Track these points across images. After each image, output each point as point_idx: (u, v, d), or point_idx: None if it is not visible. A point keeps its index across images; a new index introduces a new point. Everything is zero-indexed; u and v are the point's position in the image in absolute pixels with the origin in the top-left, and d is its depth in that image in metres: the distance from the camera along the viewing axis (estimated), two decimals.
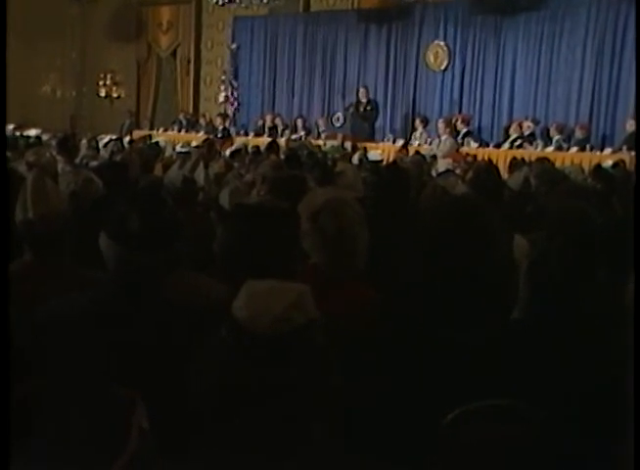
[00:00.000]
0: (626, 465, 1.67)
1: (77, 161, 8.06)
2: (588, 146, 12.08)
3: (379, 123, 15.26)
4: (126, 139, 13.11)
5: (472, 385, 1.93)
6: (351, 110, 14.70)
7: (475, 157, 11.91)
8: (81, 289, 2.46)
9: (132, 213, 2.24)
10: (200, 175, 5.94)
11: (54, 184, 3.19)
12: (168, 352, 2.11)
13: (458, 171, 8.00)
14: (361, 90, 15.13)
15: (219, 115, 16.92)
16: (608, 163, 9.86)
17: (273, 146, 10.36)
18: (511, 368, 1.98)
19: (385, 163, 10.38)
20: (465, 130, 13.29)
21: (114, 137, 11.66)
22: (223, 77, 18.22)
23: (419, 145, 13.28)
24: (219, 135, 15.03)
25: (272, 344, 1.41)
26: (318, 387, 1.46)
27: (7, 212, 2.74)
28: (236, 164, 8.06)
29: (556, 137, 12.44)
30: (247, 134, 16.13)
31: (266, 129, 16.07)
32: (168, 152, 10.96)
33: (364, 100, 14.95)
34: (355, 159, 10.87)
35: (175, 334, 2.17)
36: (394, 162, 8.76)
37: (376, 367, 2.16)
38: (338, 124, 14.44)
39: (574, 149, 12.00)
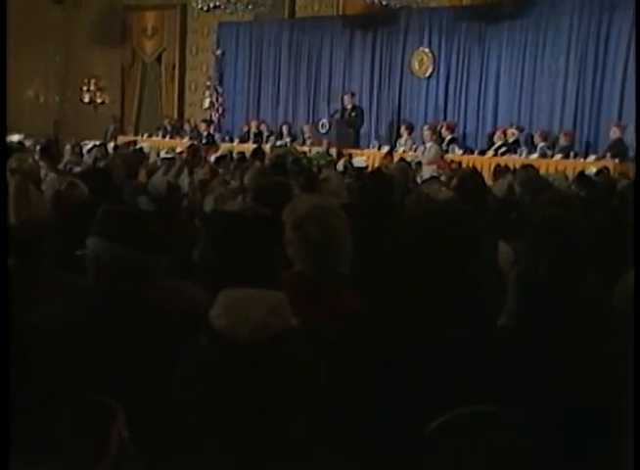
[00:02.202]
0: (626, 466, 1.67)
1: (61, 166, 8.02)
2: (572, 153, 12.14)
3: (364, 130, 15.27)
4: (111, 145, 13.05)
5: (456, 391, 1.93)
6: (336, 116, 14.70)
7: (459, 164, 11.93)
8: (63, 295, 2.45)
9: (128, 216, 2.25)
10: (184, 181, 5.92)
11: (36, 190, 3.18)
12: (151, 359, 2.09)
13: (443, 178, 8.00)
14: (346, 97, 15.13)
15: (204, 121, 16.90)
16: (591, 170, 9.91)
17: (258, 152, 10.34)
18: (496, 373, 1.98)
19: (369, 169, 10.39)
20: (450, 137, 13.33)
21: (97, 143, 11.60)
22: (208, 83, 18.19)
23: (404, 152, 13.29)
24: (204, 141, 14.99)
25: (252, 351, 1.41)
26: (300, 394, 1.46)
27: (5, 215, 2.74)
28: (221, 171, 8.04)
29: (540, 144, 12.49)
30: (232, 140, 16.09)
31: (251, 136, 16.05)
32: (153, 158, 10.91)
33: (349, 106, 14.95)
34: (340, 165, 10.87)
35: (160, 342, 2.15)
36: (379, 168, 8.76)
37: (359, 374, 2.15)
38: (323, 131, 14.43)
39: (559, 156, 12.05)
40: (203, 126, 16.53)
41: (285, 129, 15.88)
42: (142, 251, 2.29)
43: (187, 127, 17.23)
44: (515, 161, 11.45)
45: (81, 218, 3.23)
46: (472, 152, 13.33)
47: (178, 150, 11.91)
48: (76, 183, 4.51)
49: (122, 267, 2.28)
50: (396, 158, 12.21)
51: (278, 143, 15.05)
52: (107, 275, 2.32)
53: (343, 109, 14.96)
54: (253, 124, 16.38)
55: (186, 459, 1.50)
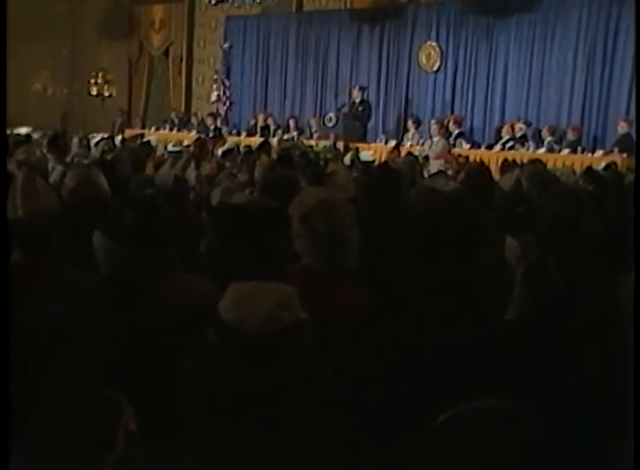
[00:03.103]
0: (626, 465, 1.67)
1: (68, 159, 8.03)
2: (580, 148, 12.10)
3: (371, 124, 15.24)
4: (118, 138, 13.06)
5: (462, 385, 1.92)
6: (344, 110, 14.67)
7: (467, 158, 11.91)
8: (71, 289, 2.45)
9: (131, 211, 2.24)
10: (191, 175, 5.92)
11: (44, 183, 3.17)
12: (159, 353, 2.09)
13: (450, 172, 7.99)
14: (354, 90, 15.11)
15: (211, 114, 16.89)
16: (599, 164, 9.87)
17: (265, 146, 10.34)
18: (502, 367, 1.98)
19: (376, 163, 10.37)
20: (457, 131, 13.29)
21: (105, 136, 11.61)
22: (215, 77, 18.19)
23: (411, 146, 13.27)
24: (211, 135, 14.97)
25: (260, 344, 1.40)
26: (307, 387, 1.45)
27: (5, 211, 2.74)
28: (227, 164, 8.04)
29: (548, 139, 12.45)
30: (239, 134, 16.08)
31: (258, 129, 16.04)
32: (160, 151, 10.92)
33: (357, 100, 14.92)
34: (347, 159, 10.86)
35: (166, 335, 2.15)
36: (386, 162, 8.74)
37: (366, 367, 2.15)
38: (330, 125, 14.40)
39: (566, 151, 12.01)
40: (210, 120, 16.52)
41: (292, 123, 15.87)
42: (146, 246, 2.28)
43: (194, 121, 17.21)
44: (522, 155, 11.42)
45: (93, 211, 3.23)
46: (479, 146, 13.30)
47: (185, 143, 11.93)
48: (93, 176, 4.49)
49: (126, 263, 2.27)
50: (404, 152, 12.19)
51: (285, 137, 15.04)
52: (112, 270, 2.31)
53: (351, 103, 14.94)
54: (261, 118, 16.36)
55: (191, 453, 1.50)
